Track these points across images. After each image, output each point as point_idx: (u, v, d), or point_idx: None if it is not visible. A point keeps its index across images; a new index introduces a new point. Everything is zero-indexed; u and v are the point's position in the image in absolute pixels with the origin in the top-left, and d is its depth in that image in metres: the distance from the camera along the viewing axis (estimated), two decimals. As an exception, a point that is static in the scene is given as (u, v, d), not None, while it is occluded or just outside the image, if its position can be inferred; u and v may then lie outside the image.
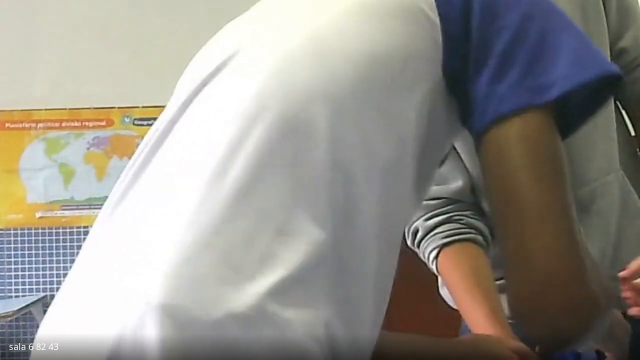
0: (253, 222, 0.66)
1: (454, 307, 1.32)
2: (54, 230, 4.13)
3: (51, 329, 0.71)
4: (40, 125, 4.19)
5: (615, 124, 1.34)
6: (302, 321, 0.64)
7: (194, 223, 0.66)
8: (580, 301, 0.71)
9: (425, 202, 1.31)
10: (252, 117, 0.70)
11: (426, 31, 0.75)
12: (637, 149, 1.43)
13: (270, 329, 0.63)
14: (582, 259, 0.72)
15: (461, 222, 1.31)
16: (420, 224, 1.32)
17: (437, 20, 0.76)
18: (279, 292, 0.64)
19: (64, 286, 0.74)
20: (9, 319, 3.83)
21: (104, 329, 0.65)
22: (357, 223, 0.70)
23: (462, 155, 1.32)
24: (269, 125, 0.69)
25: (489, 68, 0.75)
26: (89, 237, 0.76)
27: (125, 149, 4.16)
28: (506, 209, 0.73)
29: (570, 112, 0.77)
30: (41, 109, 4.18)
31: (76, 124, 4.21)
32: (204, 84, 0.76)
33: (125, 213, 0.73)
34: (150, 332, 0.62)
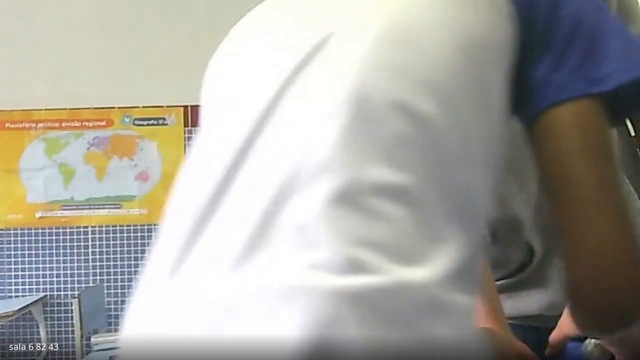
0: (407, 220, 0.64)
1: (454, 307, 1.32)
2: (54, 230, 4.14)
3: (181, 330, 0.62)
4: (40, 125, 4.20)
5: (615, 124, 1.34)
6: (469, 307, 0.65)
7: (349, 206, 0.63)
8: (637, 285, 0.73)
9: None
10: (358, 109, 0.67)
11: (501, 19, 0.77)
12: (637, 149, 1.43)
13: (448, 316, 0.62)
14: (638, 243, 0.74)
15: (461, 222, 1.30)
16: (420, 224, 1.32)
17: (509, 8, 0.77)
18: (447, 279, 0.64)
19: (157, 276, 0.66)
20: (9, 319, 3.84)
21: (273, 327, 0.58)
22: (478, 216, 0.72)
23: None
24: (385, 117, 0.67)
25: (550, 56, 0.77)
26: (169, 236, 0.68)
27: (125, 149, 4.16)
28: (562, 193, 0.75)
29: (614, 106, 0.79)
30: (41, 109, 4.19)
31: (76, 124, 4.21)
32: (295, 72, 0.71)
33: (240, 202, 0.66)
34: (347, 327, 0.57)
